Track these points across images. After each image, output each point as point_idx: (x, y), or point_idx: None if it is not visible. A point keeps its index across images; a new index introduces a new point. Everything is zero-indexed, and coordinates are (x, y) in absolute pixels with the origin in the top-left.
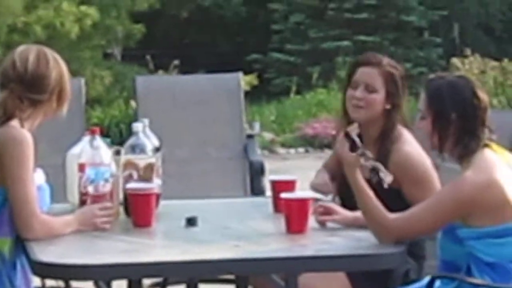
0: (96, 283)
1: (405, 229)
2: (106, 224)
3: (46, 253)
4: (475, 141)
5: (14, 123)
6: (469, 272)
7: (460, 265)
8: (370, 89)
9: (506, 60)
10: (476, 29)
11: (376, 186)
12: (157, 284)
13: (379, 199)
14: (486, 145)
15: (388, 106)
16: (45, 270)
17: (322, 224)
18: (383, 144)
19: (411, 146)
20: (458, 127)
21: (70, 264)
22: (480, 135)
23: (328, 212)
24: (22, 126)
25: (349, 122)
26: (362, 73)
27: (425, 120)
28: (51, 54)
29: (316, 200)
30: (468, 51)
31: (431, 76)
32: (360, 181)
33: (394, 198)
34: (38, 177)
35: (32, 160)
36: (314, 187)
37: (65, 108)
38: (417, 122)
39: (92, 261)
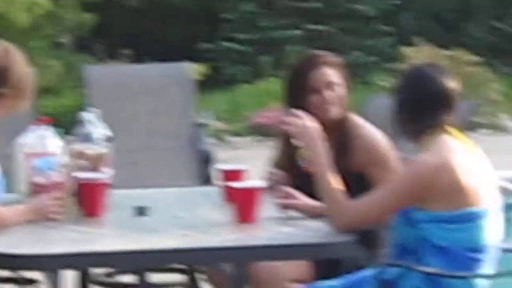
0: (45, 273)
1: (361, 214)
2: (57, 215)
3: None
4: (429, 120)
5: None
6: (420, 256)
7: (412, 249)
8: (332, 87)
9: (456, 49)
10: (426, 18)
11: (342, 172)
12: (107, 273)
13: (346, 185)
14: (445, 131)
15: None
16: None
17: (282, 208)
18: (343, 130)
19: (370, 129)
20: (412, 109)
21: (17, 254)
22: (433, 117)
23: (289, 196)
24: None
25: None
26: (316, 76)
27: None
28: (14, 49)
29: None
30: (417, 40)
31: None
32: (323, 155)
33: (359, 183)
34: None
35: None
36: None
37: (27, 104)
38: None
39: (40, 250)
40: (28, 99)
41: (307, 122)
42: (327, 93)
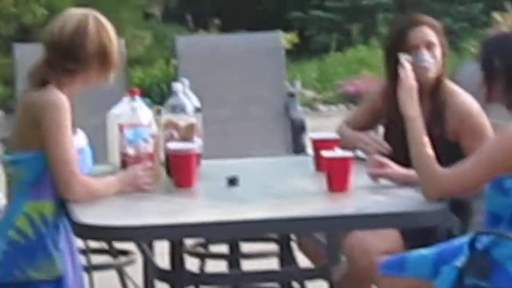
0: (138, 244)
1: (454, 183)
2: (148, 185)
3: (87, 215)
4: None
5: (51, 87)
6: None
7: (504, 217)
8: (431, 47)
9: None
10: None
11: (436, 140)
12: (200, 244)
13: (438, 153)
14: None
15: (444, 60)
16: (86, 231)
17: (374, 177)
18: (438, 97)
19: (466, 98)
20: (505, 75)
21: (110, 225)
22: None
23: (380, 165)
24: (59, 90)
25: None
26: (418, 33)
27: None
28: (96, 22)
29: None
30: (509, 6)
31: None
32: (417, 116)
33: (453, 152)
34: (79, 140)
35: (69, 123)
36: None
37: (110, 77)
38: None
39: (133, 222)
40: (108, 72)
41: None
42: (425, 53)
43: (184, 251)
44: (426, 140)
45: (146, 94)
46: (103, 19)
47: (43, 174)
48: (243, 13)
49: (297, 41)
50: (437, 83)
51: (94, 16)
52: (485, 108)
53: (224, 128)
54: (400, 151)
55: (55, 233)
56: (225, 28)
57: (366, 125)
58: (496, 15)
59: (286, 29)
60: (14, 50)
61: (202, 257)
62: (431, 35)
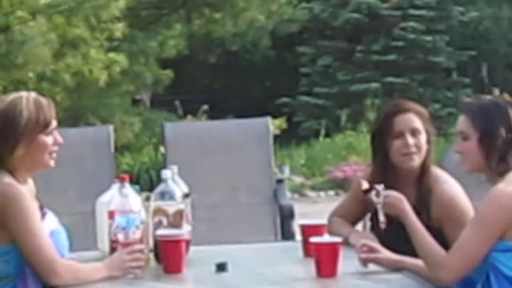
0: None
1: (464, 260)
2: (136, 269)
3: None
4: None
5: (7, 178)
6: (487, 284)
7: (477, 280)
8: (416, 134)
9: None
10: (504, 69)
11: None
12: None
13: None
14: None
15: (428, 147)
16: None
17: (364, 262)
18: (424, 184)
19: (452, 185)
20: (506, 142)
21: None
22: None
23: (372, 251)
24: (15, 178)
25: (389, 173)
26: (403, 120)
27: (468, 141)
28: (27, 104)
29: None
30: (496, 91)
31: (466, 99)
32: (413, 217)
33: (437, 239)
34: (50, 221)
35: (35, 210)
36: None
37: (47, 160)
38: (457, 145)
39: None
40: (47, 156)
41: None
42: (411, 139)
43: None
44: (423, 229)
45: (135, 180)
46: (36, 98)
47: (22, 267)
48: (232, 100)
49: (285, 127)
50: (423, 170)
51: (26, 96)
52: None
53: (214, 214)
54: (390, 241)
55: None
56: (214, 114)
57: (355, 215)
58: None
59: (275, 115)
60: None
61: None
62: (416, 122)
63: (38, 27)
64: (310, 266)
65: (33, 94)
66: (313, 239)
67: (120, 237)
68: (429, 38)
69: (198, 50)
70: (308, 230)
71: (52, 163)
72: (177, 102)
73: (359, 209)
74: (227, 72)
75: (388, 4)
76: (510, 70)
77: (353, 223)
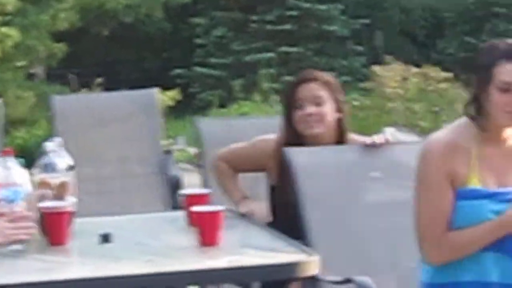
0: None
1: (432, 229)
2: (21, 236)
3: None
4: None
5: None
6: None
7: None
8: (317, 103)
9: (427, 65)
10: (398, 36)
11: None
12: None
13: None
14: None
15: (339, 115)
16: None
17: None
18: None
19: None
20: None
21: None
22: None
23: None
24: None
25: (299, 138)
26: (304, 90)
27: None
28: None
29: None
30: (389, 59)
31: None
32: None
33: None
34: None
35: None
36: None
37: None
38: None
39: (6, 280)
40: None
41: None
42: (311, 108)
43: None
44: None
45: (28, 154)
46: None
47: None
48: (128, 72)
49: (180, 98)
50: (338, 137)
51: None
52: None
53: (104, 186)
54: (286, 213)
55: None
56: (109, 86)
57: (244, 168)
58: (376, 68)
59: (170, 86)
60: None
61: None
62: (318, 91)
63: None
64: (193, 235)
65: None
66: (195, 208)
67: (5, 209)
68: (323, 7)
69: (91, 23)
70: (190, 200)
71: None
72: (71, 76)
73: (252, 165)
74: (123, 44)
75: None
76: (404, 37)
77: (238, 172)
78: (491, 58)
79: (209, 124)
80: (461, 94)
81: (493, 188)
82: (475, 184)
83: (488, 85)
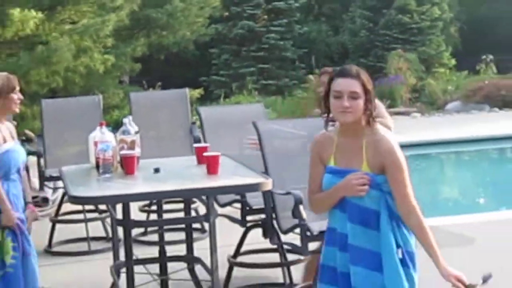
0: (107, 206)
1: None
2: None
3: (78, 190)
4: None
5: None
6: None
7: None
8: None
9: None
10: (324, 58)
11: None
12: (145, 205)
13: None
14: None
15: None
16: (79, 200)
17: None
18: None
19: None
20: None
21: (92, 196)
22: None
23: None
24: None
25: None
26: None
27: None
28: (1, 78)
29: None
30: (317, 72)
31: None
32: None
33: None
34: (8, 144)
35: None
36: None
37: (14, 108)
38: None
39: (103, 193)
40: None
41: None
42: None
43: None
44: None
45: (119, 125)
46: (6, 74)
47: None
48: (174, 79)
49: (203, 93)
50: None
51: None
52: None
53: (157, 142)
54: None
55: None
56: (164, 88)
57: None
58: (310, 76)
59: (197, 87)
60: None
61: (147, 212)
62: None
63: (64, 41)
64: (203, 168)
65: (4, 73)
66: (204, 154)
67: (101, 155)
68: (282, 42)
69: (154, 52)
70: (200, 149)
71: (17, 110)
72: (143, 81)
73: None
74: (172, 64)
75: None
76: (327, 59)
77: None
78: (330, 76)
79: (205, 111)
80: None
81: (343, 167)
82: (331, 163)
83: (330, 95)
